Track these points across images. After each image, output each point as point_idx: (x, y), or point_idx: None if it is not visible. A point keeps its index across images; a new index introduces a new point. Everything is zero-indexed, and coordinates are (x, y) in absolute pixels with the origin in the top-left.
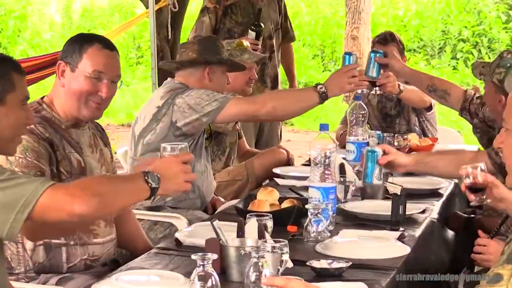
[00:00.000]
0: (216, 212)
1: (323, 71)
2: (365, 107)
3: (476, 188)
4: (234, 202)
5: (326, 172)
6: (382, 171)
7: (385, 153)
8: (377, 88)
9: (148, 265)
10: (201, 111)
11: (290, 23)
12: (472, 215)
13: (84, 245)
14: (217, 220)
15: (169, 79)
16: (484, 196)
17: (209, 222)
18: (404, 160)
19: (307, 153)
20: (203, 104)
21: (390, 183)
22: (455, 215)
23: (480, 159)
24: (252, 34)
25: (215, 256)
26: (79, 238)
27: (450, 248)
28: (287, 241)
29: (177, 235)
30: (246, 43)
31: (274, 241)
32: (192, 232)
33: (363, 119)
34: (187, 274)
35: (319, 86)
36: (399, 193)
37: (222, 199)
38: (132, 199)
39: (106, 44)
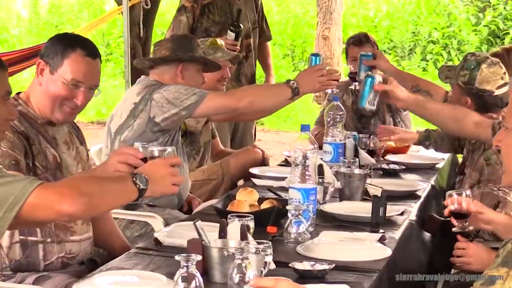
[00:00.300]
0: (194, 212)
1: (293, 70)
2: (342, 107)
3: (460, 214)
4: (212, 202)
5: (307, 173)
6: (377, 97)
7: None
8: (356, 83)
9: (128, 266)
10: (180, 105)
11: (266, 22)
12: (448, 218)
13: (61, 243)
14: (199, 221)
15: (143, 76)
16: (467, 223)
17: (187, 222)
18: (402, 94)
19: (282, 153)
20: (182, 98)
21: (370, 184)
22: (432, 218)
23: (484, 125)
24: (231, 34)
25: (199, 257)
26: (56, 235)
27: (427, 251)
28: (270, 243)
29: (156, 235)
30: (220, 41)
31: (257, 242)
32: (171, 232)
33: (340, 120)
34: (169, 275)
35: (291, 82)
36: (379, 195)
37: (197, 198)
38: (120, 201)
39: (89, 52)
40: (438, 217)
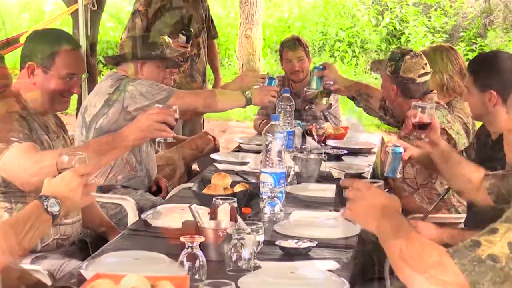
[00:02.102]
0: (169, 195)
1: None
2: (292, 99)
3: (420, 125)
4: (185, 185)
5: (278, 158)
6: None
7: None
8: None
9: (126, 246)
10: (152, 98)
11: (212, 22)
12: None
13: (57, 225)
14: (194, 204)
15: (111, 71)
16: (424, 136)
17: (170, 205)
18: (416, 153)
19: (235, 140)
20: (154, 92)
21: (333, 168)
22: None
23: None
24: (182, 38)
25: (202, 238)
26: None
27: None
28: (262, 224)
29: (143, 216)
30: (167, 39)
31: (246, 223)
32: (156, 214)
33: (290, 109)
34: (168, 255)
35: (246, 93)
36: (343, 177)
37: (163, 178)
38: (39, 235)
39: (73, 44)
40: None
